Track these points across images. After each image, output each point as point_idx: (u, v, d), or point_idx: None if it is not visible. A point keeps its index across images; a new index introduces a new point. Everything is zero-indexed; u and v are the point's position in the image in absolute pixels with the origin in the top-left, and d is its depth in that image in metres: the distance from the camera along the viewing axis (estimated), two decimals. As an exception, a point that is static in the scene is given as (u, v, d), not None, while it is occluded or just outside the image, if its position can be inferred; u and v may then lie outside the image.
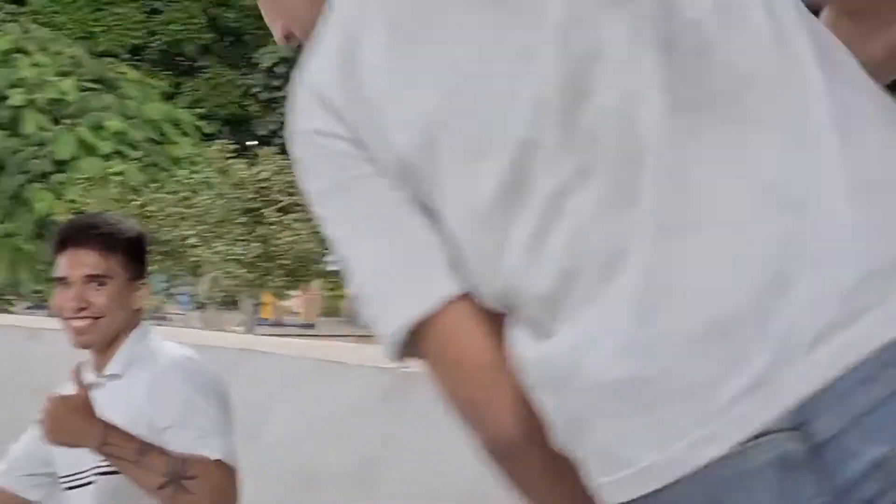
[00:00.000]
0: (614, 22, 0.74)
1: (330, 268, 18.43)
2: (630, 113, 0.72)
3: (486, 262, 0.76)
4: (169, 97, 26.85)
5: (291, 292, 18.29)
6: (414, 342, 0.81)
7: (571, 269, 0.72)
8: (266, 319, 17.43)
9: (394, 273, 0.81)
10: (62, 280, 2.09)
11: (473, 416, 0.82)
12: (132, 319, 2.16)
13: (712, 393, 0.68)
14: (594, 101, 0.73)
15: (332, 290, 21.93)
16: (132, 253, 2.19)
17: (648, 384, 0.70)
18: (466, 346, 0.80)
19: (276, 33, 0.95)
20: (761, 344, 0.68)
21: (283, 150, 16.36)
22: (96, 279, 2.10)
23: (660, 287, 0.70)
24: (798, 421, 0.67)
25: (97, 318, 1.95)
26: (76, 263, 2.11)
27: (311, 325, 16.95)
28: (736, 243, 0.70)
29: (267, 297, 18.23)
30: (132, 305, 2.17)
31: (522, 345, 0.75)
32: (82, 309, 1.96)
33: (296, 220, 15.33)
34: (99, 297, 2.08)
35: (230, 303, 16.92)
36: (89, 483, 2.00)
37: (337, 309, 23.10)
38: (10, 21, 27.16)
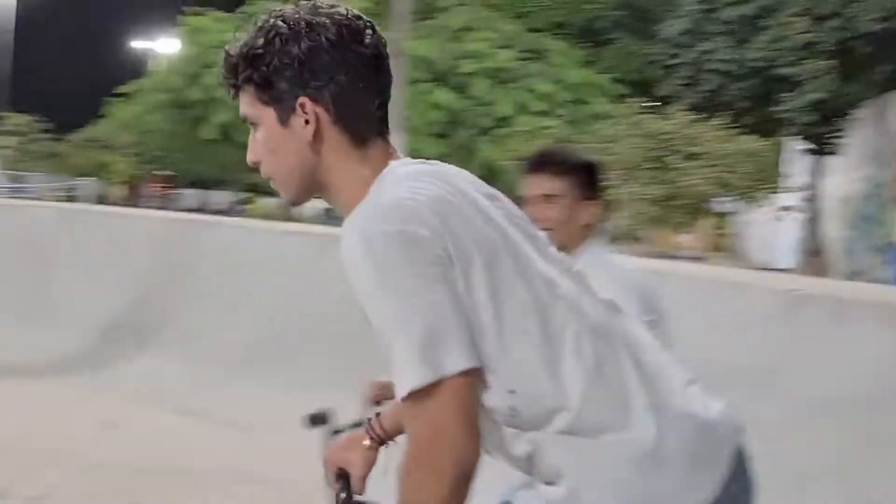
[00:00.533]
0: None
1: (719, 210, 18.18)
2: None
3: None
4: (587, 64, 27.45)
5: (686, 229, 18.24)
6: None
7: None
8: (664, 252, 17.50)
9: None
10: (525, 199, 2.13)
11: (460, 451, 1.10)
12: (582, 234, 2.14)
13: None
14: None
15: (719, 229, 21.88)
16: (581, 176, 2.17)
17: None
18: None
19: None
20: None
21: (685, 108, 16.16)
22: (549, 198, 2.13)
23: None
24: None
25: (547, 230, 1.80)
26: (533, 185, 2.16)
27: (700, 259, 16.72)
28: None
29: (665, 233, 18.35)
30: (581, 221, 2.15)
31: None
32: (537, 221, 1.96)
33: (694, 168, 15.30)
34: (549, 212, 2.10)
35: (635, 237, 17.26)
36: None
37: (723, 246, 22.78)
38: (459, 5, 28.99)
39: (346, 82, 1.26)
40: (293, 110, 1.27)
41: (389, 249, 1.13)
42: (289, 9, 1.31)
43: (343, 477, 1.57)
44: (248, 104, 1.31)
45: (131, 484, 4.51)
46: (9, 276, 7.80)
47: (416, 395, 1.13)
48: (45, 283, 7.63)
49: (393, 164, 1.31)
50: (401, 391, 1.13)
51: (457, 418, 1.13)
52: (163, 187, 37.83)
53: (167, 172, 37.62)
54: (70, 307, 7.37)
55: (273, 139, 1.30)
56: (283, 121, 1.28)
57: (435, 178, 1.27)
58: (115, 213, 9.48)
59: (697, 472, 1.19)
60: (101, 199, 33.68)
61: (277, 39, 1.26)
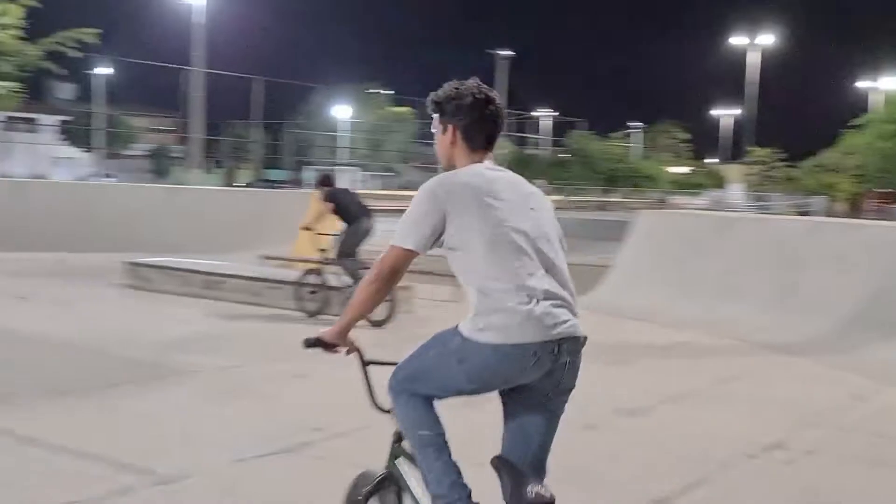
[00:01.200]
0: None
1: None
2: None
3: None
4: None
5: None
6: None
7: None
8: None
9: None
10: None
11: (386, 278, 2.22)
12: None
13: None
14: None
15: None
16: None
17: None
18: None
19: None
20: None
21: None
22: None
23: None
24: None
25: None
26: None
27: None
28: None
29: None
30: None
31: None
32: None
33: None
34: None
35: None
36: None
37: None
38: None
39: (471, 122, 2.35)
40: (445, 129, 2.40)
41: (423, 191, 2.26)
42: (469, 82, 2.39)
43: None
44: (434, 125, 2.43)
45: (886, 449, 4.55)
46: (759, 272, 8.41)
47: (391, 246, 2.25)
48: (791, 278, 8.00)
49: (476, 164, 2.34)
50: (391, 242, 2.26)
51: (394, 265, 2.23)
52: (880, 202, 38.56)
53: (886, 190, 37.57)
54: (817, 299, 7.68)
55: (439, 142, 2.41)
56: (443, 132, 2.41)
57: (478, 175, 2.28)
58: (841, 224, 9.93)
59: (546, 329, 2.17)
60: (829, 213, 34.99)
61: (452, 95, 2.36)
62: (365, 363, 2.42)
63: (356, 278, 8.00)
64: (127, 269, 10.11)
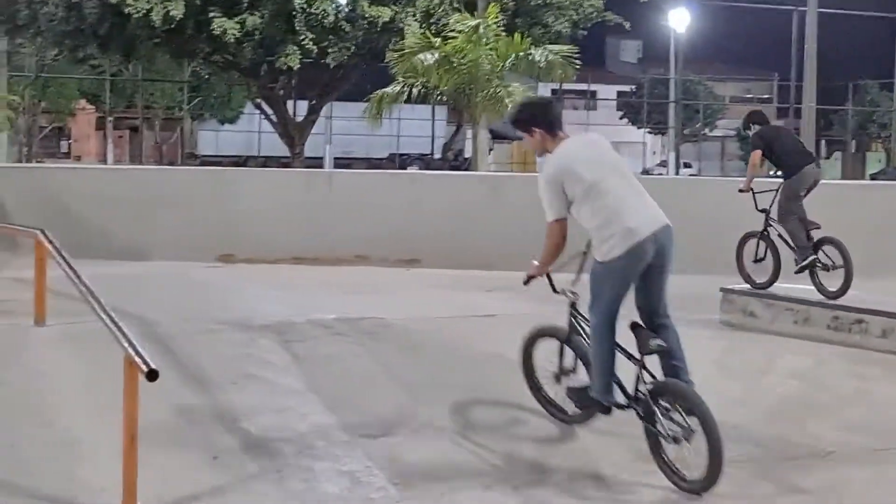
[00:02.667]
0: None
1: None
2: None
3: None
4: None
5: None
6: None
7: None
8: None
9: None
10: None
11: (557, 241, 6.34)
12: None
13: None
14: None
15: None
16: None
17: None
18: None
19: None
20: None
21: None
22: None
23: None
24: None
25: None
26: None
27: None
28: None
29: None
30: None
31: None
32: None
33: None
34: None
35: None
36: None
37: None
38: None
39: (547, 121, 6.46)
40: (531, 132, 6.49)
41: (542, 179, 6.35)
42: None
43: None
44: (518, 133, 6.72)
45: None
46: None
47: (548, 223, 6.31)
48: None
49: (563, 142, 6.40)
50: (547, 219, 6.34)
51: (557, 233, 6.26)
52: None
53: None
54: None
55: (531, 142, 6.50)
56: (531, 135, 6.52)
57: (573, 144, 6.35)
58: None
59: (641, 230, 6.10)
60: None
61: (529, 108, 6.78)
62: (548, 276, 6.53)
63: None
64: (723, 299, 10.82)
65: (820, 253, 10.25)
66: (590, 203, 6.05)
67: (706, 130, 59.28)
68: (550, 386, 6.83)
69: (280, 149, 34.78)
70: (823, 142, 57.23)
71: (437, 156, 54.66)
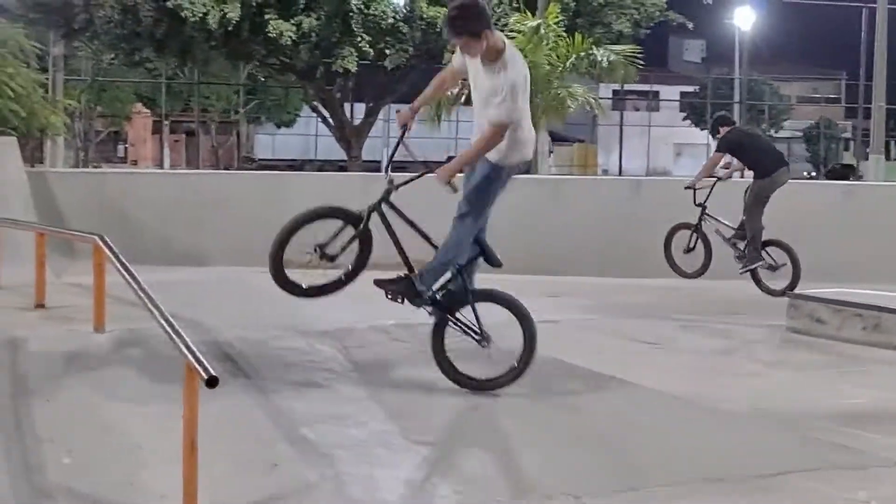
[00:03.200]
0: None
1: None
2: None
3: None
4: None
5: None
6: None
7: None
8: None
9: None
10: None
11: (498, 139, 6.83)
12: None
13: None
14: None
15: None
16: None
17: None
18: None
19: None
20: None
21: None
22: None
23: None
24: None
25: None
26: None
27: None
28: None
29: None
30: None
31: None
32: None
33: None
34: None
35: None
36: None
37: None
38: None
39: (491, 22, 7.03)
40: (481, 35, 6.88)
41: (523, 76, 6.92)
42: None
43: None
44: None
45: None
46: None
47: (502, 124, 6.77)
48: None
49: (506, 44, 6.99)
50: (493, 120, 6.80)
51: (500, 133, 6.76)
52: None
53: None
54: None
55: (476, 46, 6.94)
56: (480, 38, 6.88)
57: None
58: None
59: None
60: None
61: (475, 7, 6.87)
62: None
63: None
64: (790, 305, 10.72)
65: (764, 253, 11.44)
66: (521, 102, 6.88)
67: (772, 131, 58.60)
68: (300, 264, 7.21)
69: (337, 152, 34.96)
70: (893, 143, 56.43)
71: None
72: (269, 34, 25.80)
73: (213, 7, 25.20)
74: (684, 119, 59.29)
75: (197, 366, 4.93)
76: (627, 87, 45.50)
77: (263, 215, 14.96)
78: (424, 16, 26.55)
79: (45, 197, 15.18)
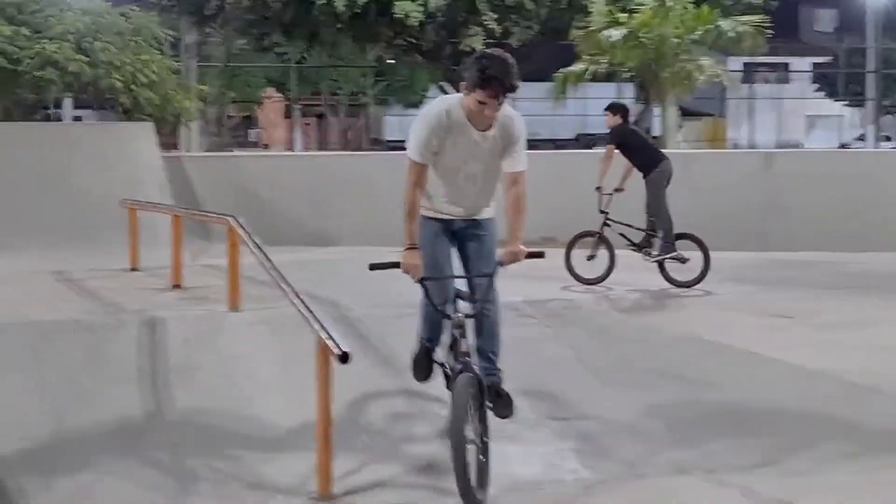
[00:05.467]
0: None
1: None
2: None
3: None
4: None
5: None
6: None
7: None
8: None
9: None
10: None
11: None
12: None
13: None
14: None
15: None
16: None
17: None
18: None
19: None
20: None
21: None
22: None
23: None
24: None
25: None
26: None
27: None
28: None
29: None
30: None
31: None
32: None
33: None
34: None
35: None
36: None
37: None
38: None
39: None
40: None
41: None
42: None
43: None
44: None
45: None
46: None
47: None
48: None
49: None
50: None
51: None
52: None
53: None
54: None
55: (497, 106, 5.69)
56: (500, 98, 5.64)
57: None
58: None
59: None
60: None
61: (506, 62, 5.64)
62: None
63: None
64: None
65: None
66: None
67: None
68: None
69: (463, 131, 34.92)
70: None
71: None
72: (396, 15, 25.87)
73: (340, -10, 25.47)
74: (817, 90, 57.73)
75: (330, 343, 4.99)
76: (757, 59, 44.43)
77: (391, 195, 15.11)
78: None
79: (180, 181, 15.58)
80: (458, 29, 26.92)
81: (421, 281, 5.54)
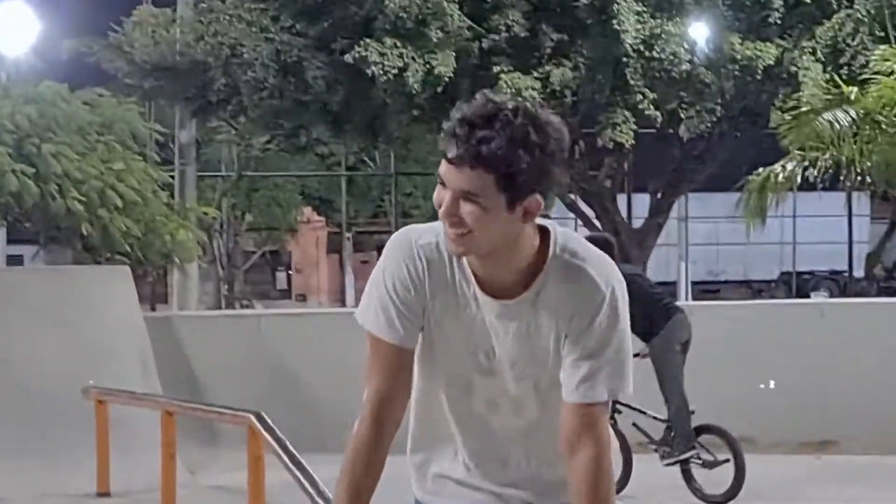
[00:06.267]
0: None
1: None
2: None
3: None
4: None
5: None
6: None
7: None
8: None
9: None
10: None
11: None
12: None
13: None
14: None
15: None
16: None
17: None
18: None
19: None
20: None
21: None
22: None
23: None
24: None
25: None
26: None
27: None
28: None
29: None
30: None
31: None
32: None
33: None
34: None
35: None
36: None
37: None
38: None
39: None
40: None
41: None
42: None
43: None
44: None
45: None
46: None
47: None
48: None
49: None
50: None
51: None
52: None
53: None
54: None
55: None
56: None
57: None
58: None
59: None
60: None
61: None
62: None
63: None
64: None
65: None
66: None
67: None
68: None
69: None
70: None
71: (859, 273, 53.64)
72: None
73: (413, 59, 25.56)
74: None
75: None
76: None
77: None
78: (738, 56, 26.25)
79: (171, 353, 15.71)
80: (595, 113, 26.91)
81: None
